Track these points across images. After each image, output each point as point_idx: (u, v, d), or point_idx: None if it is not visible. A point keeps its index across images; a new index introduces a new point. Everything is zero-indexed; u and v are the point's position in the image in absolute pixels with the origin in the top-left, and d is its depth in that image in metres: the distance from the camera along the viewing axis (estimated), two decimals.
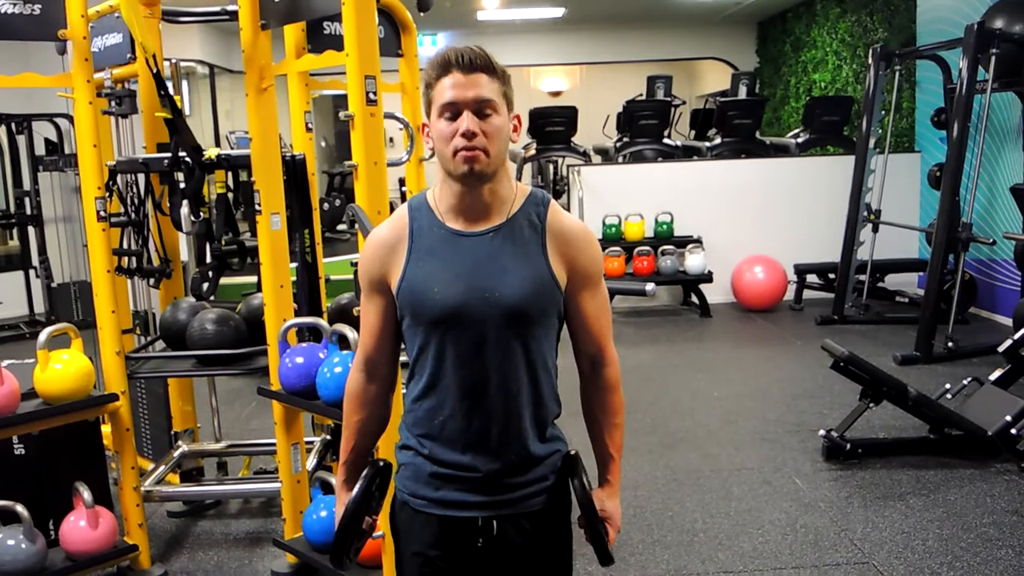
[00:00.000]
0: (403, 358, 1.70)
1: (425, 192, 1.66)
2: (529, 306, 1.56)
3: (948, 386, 4.35)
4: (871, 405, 4.06)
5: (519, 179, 10.46)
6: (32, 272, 7.66)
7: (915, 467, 3.97)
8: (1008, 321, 6.52)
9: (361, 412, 1.73)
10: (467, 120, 1.50)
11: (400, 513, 1.70)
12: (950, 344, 5.70)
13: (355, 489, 1.65)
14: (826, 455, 4.08)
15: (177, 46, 7.39)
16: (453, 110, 1.51)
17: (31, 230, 7.60)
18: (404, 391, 1.69)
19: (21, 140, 7.40)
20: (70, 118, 6.90)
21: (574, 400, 1.75)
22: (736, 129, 8.49)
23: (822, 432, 4.11)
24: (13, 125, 7.32)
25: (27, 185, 7.53)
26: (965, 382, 4.33)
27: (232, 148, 6.79)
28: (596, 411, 1.72)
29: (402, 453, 1.69)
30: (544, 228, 1.60)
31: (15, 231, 7.83)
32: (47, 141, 7.41)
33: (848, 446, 4.01)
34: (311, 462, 3.45)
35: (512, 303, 1.55)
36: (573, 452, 1.68)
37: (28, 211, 7.53)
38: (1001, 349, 4.38)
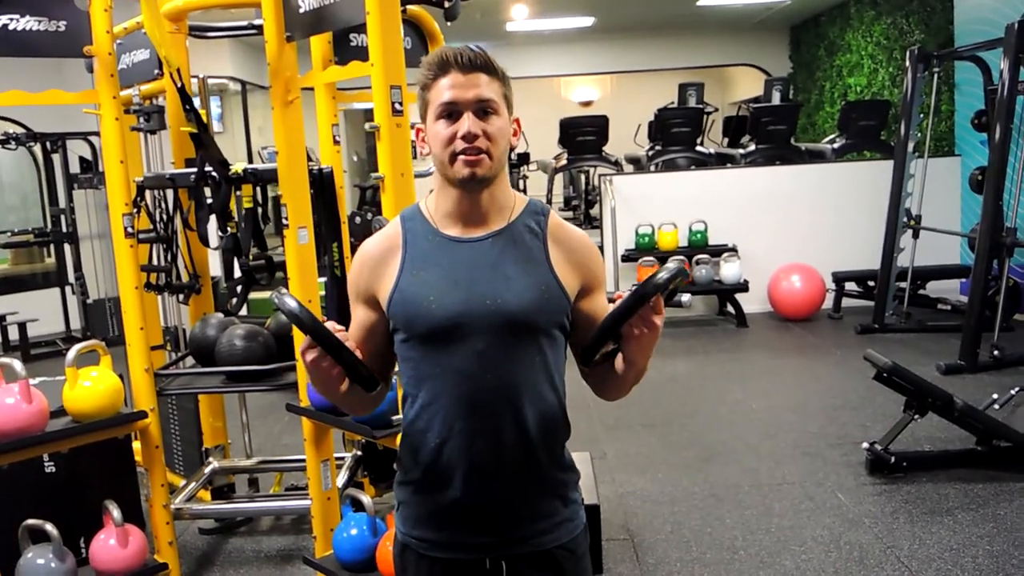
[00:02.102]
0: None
1: (417, 203, 1.58)
2: (535, 314, 1.47)
3: (995, 396, 4.21)
4: (916, 417, 3.93)
5: (551, 189, 10.51)
6: (68, 289, 7.76)
7: (963, 481, 3.83)
8: None
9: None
10: (468, 121, 1.43)
11: (403, 556, 1.58)
12: (996, 352, 5.52)
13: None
14: (870, 469, 3.95)
15: (209, 63, 7.45)
16: (452, 110, 1.44)
17: (67, 247, 7.70)
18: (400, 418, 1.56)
19: (56, 158, 7.50)
20: None
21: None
22: (770, 135, 8.38)
23: (866, 445, 3.98)
24: (48, 143, 7.42)
25: (62, 203, 7.63)
26: (1013, 392, 4.19)
27: (264, 163, 6.81)
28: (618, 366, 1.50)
29: (400, 489, 1.58)
30: (545, 236, 1.52)
31: (51, 248, 7.93)
32: (81, 159, 7.50)
33: (893, 459, 3.88)
34: (342, 479, 3.41)
35: (517, 311, 1.45)
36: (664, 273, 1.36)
37: (64, 228, 7.62)
38: None
